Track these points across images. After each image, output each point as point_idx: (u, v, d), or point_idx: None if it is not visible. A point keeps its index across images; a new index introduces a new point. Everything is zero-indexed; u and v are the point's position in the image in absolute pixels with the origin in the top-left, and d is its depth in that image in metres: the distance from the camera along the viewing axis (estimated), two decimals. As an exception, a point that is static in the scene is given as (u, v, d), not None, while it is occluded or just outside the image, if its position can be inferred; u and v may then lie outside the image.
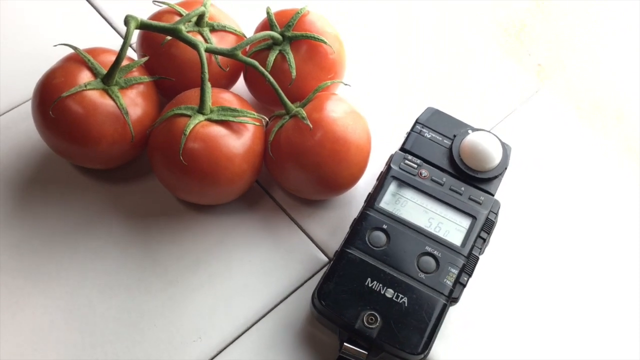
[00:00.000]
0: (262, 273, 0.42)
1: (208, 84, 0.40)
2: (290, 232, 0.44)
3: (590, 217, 0.47)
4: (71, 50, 0.41)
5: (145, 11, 0.43)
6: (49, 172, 0.44)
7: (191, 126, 0.39)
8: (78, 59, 0.41)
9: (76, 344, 0.39)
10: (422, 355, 0.37)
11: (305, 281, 0.42)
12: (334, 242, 0.44)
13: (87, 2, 0.53)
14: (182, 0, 0.46)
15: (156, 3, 0.45)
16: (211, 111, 0.40)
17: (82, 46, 0.41)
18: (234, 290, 0.41)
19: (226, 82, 0.45)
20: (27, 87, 0.46)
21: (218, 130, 0.39)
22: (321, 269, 0.43)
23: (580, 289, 0.43)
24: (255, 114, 0.41)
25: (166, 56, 0.43)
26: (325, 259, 0.43)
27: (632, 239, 0.45)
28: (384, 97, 0.50)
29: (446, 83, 0.52)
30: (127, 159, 0.42)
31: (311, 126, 0.40)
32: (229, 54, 0.41)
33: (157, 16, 0.44)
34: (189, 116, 0.40)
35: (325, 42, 0.43)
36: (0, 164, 0.44)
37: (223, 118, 0.40)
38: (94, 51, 0.42)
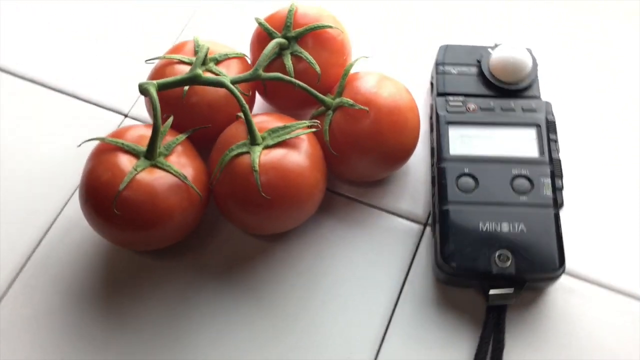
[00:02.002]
0: (371, 267, 0.42)
1: (250, 115, 0.38)
2: (375, 218, 0.44)
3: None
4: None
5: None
6: (115, 267, 0.42)
7: (257, 160, 0.38)
8: (108, 147, 0.39)
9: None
10: (562, 270, 0.38)
11: (414, 255, 0.42)
12: (417, 208, 0.44)
13: (61, 94, 0.50)
14: (170, 48, 0.44)
15: (149, 61, 0.42)
16: (263, 138, 0.39)
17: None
18: (354, 296, 0.41)
19: (249, 106, 0.43)
20: (58, 197, 0.43)
21: (280, 153, 0.38)
22: (421, 236, 0.43)
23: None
24: (303, 122, 0.40)
25: (189, 107, 0.41)
26: (419, 226, 0.43)
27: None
28: (391, 55, 0.50)
29: (441, 18, 0.52)
30: (195, 224, 0.41)
31: (366, 108, 0.39)
32: (253, 78, 0.40)
33: (158, 73, 0.42)
34: (247, 152, 0.38)
35: (330, 27, 0.42)
36: (70, 278, 0.42)
37: (279, 140, 0.39)
38: (118, 134, 0.39)
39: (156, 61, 0.43)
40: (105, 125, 0.47)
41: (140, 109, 0.48)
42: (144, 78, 0.48)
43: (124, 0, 0.54)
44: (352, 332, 0.40)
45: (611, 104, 0.47)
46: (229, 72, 0.42)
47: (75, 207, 0.44)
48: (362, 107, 0.39)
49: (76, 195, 0.44)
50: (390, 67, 0.47)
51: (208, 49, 0.40)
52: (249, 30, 0.45)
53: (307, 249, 0.43)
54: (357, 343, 0.39)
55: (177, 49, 0.43)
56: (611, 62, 0.49)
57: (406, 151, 0.42)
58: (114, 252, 0.43)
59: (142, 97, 0.49)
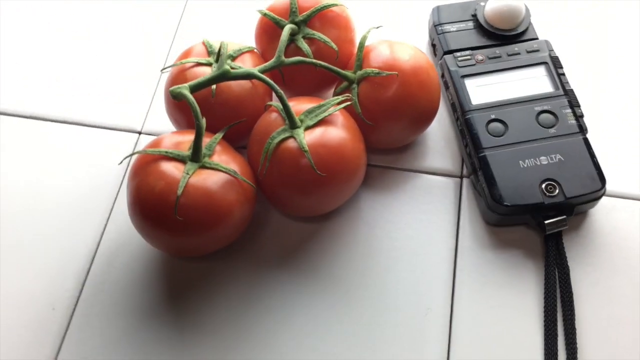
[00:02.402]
0: (422, 227, 0.43)
1: (287, 101, 0.39)
2: (412, 180, 0.45)
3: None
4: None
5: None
6: (175, 278, 0.41)
7: (303, 142, 0.38)
8: (151, 159, 0.38)
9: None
10: (604, 188, 0.41)
11: (459, 207, 0.44)
12: (448, 163, 0.45)
13: (70, 125, 0.48)
14: (180, 55, 0.44)
15: (164, 70, 0.42)
16: (301, 121, 0.39)
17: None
18: (415, 256, 0.42)
19: (271, 95, 0.44)
20: (95, 225, 0.43)
21: (323, 131, 0.39)
22: (460, 188, 0.44)
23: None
24: (335, 98, 0.40)
25: (218, 105, 0.41)
26: (456, 180, 0.45)
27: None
28: (384, 24, 0.51)
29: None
30: (251, 216, 0.40)
31: (396, 73, 0.40)
32: (278, 65, 0.40)
33: (177, 78, 0.41)
34: (290, 136, 0.39)
35: (335, 5, 0.43)
36: (129, 299, 0.41)
37: (317, 119, 0.39)
38: (157, 144, 0.39)
39: (169, 69, 0.42)
40: (122, 146, 0.47)
41: (152, 123, 0.48)
42: (147, 91, 0.48)
43: (111, 19, 0.53)
44: (422, 288, 0.41)
45: (603, 29, 0.50)
46: (245, 65, 0.42)
47: (116, 229, 0.43)
48: (390, 72, 0.40)
49: (114, 218, 0.43)
50: (387, 35, 0.48)
51: (227, 45, 0.40)
52: (240, 24, 0.45)
53: (356, 223, 0.43)
54: (431, 296, 0.40)
55: (186, 54, 0.43)
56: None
57: (434, 108, 0.43)
58: (167, 264, 0.42)
59: (152, 112, 0.48)
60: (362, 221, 0.44)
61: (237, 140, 0.42)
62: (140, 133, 0.48)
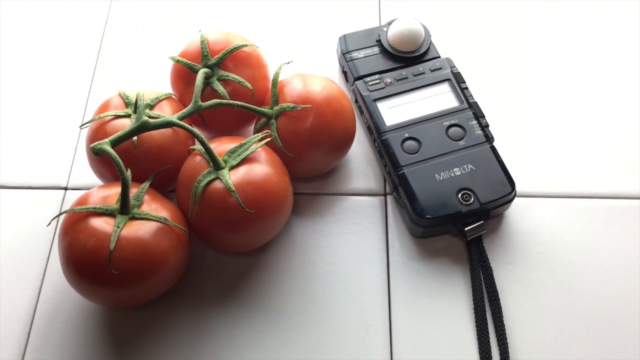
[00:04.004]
0: (354, 247, 0.45)
1: (208, 145, 0.40)
2: (339, 203, 0.47)
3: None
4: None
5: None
6: (118, 327, 0.42)
7: (229, 182, 0.39)
8: (79, 216, 0.38)
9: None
10: (514, 190, 0.44)
11: (386, 223, 0.46)
12: (372, 182, 0.48)
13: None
14: (97, 109, 0.44)
15: (83, 126, 0.43)
16: (225, 161, 0.41)
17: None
18: (350, 276, 0.44)
19: (193, 139, 0.45)
20: (28, 286, 0.42)
21: (247, 169, 0.40)
22: (385, 206, 0.47)
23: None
24: (254, 136, 0.42)
25: (141, 155, 0.41)
26: (380, 198, 0.47)
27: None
28: (293, 58, 0.53)
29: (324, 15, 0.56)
30: (188, 259, 0.41)
31: (310, 106, 0.42)
32: (196, 110, 0.41)
33: (97, 132, 0.42)
34: (216, 178, 0.40)
35: (244, 45, 0.45)
36: (74, 353, 0.41)
37: (240, 158, 0.41)
38: (84, 201, 0.39)
39: (88, 124, 0.43)
40: (49, 204, 0.47)
41: (77, 178, 0.48)
42: (68, 147, 0.49)
43: (24, 77, 0.53)
44: (360, 306, 0.43)
45: (499, 41, 0.54)
46: (163, 113, 0.43)
47: (52, 288, 0.43)
48: (304, 106, 0.42)
49: (49, 278, 0.43)
50: (298, 70, 0.50)
51: (143, 95, 0.41)
52: (155, 71, 0.46)
53: (291, 252, 0.45)
54: (370, 312, 0.42)
55: (104, 107, 0.44)
56: (489, 13, 0.56)
57: (350, 134, 0.46)
58: (108, 316, 0.42)
59: (76, 166, 0.48)
60: (297, 248, 0.45)
61: (165, 186, 0.43)
62: (66, 189, 0.48)
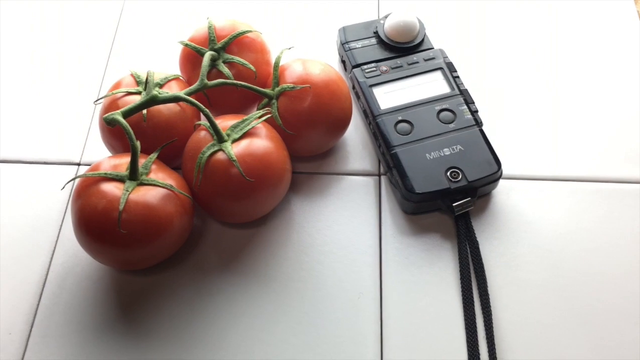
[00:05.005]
0: (348, 223, 0.48)
1: (212, 118, 0.43)
2: (335, 183, 0.50)
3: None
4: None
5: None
6: (124, 291, 0.44)
7: (232, 153, 0.42)
8: (91, 181, 0.41)
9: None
10: (501, 170, 0.46)
11: (380, 201, 0.48)
12: (367, 163, 0.50)
13: (7, 164, 0.51)
14: (110, 87, 0.47)
15: (97, 102, 0.46)
16: (228, 135, 0.44)
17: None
18: (344, 249, 0.46)
19: (199, 116, 0.48)
20: (42, 253, 0.45)
21: (248, 142, 0.43)
22: (379, 185, 0.49)
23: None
24: (256, 113, 0.45)
25: (150, 129, 0.44)
26: (375, 177, 0.50)
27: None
28: (295, 45, 0.56)
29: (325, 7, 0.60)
30: (191, 226, 0.44)
31: (309, 85, 0.45)
32: (202, 88, 0.44)
33: (110, 107, 0.45)
34: (219, 150, 0.43)
35: (250, 31, 0.48)
36: (82, 316, 0.43)
37: (242, 132, 0.44)
38: (96, 167, 0.42)
39: (101, 100, 0.46)
40: (62, 179, 0.49)
41: (90, 154, 0.51)
42: (83, 124, 0.52)
43: (41, 56, 0.56)
44: (353, 276, 0.45)
45: (488, 33, 0.57)
46: (172, 91, 0.46)
47: (64, 253, 0.46)
48: (303, 85, 0.45)
49: (61, 244, 0.46)
50: (299, 55, 0.54)
51: (153, 74, 0.44)
52: (165, 55, 0.50)
53: (289, 226, 0.47)
54: (362, 282, 0.45)
55: (116, 85, 0.47)
56: (479, 5, 0.59)
57: (347, 116, 0.48)
58: (115, 279, 0.45)
59: (89, 143, 0.51)
60: (294, 223, 0.48)
61: (172, 162, 0.46)
62: (79, 164, 0.51)
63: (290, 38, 0.57)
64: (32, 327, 0.43)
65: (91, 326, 0.43)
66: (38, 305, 0.44)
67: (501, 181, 0.48)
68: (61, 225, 0.47)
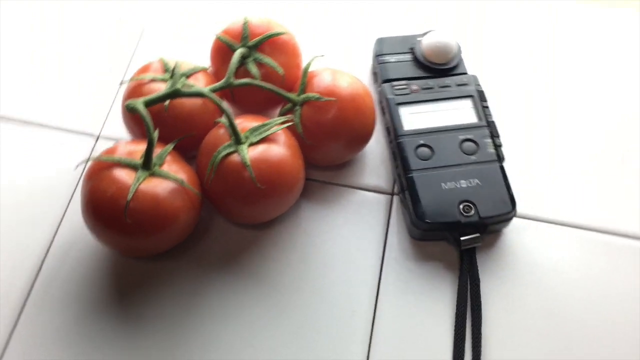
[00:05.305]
0: (354, 238, 0.47)
1: (233, 119, 0.43)
2: (347, 196, 0.49)
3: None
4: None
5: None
6: (123, 275, 0.45)
7: (246, 157, 0.42)
8: (105, 165, 0.42)
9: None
10: (515, 211, 0.46)
11: (388, 221, 0.48)
12: (382, 181, 0.50)
13: (29, 126, 0.51)
14: (137, 71, 0.47)
15: (123, 83, 0.46)
16: (246, 137, 0.43)
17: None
18: (345, 264, 0.46)
19: (218, 114, 0.48)
20: (49, 222, 0.46)
21: (265, 148, 0.43)
22: (390, 205, 0.49)
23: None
24: (277, 119, 0.45)
25: (170, 119, 0.44)
26: (387, 196, 0.49)
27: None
28: (331, 53, 0.56)
29: (368, 16, 0.59)
30: (196, 221, 0.44)
31: (334, 99, 0.44)
32: (227, 86, 0.44)
33: (134, 92, 0.45)
34: (235, 151, 0.43)
35: (283, 33, 0.47)
36: (79, 292, 0.44)
37: (260, 137, 0.43)
38: (111, 152, 0.42)
39: (127, 82, 0.46)
40: (80, 148, 0.50)
41: (110, 129, 0.51)
42: (107, 99, 0.52)
43: (74, 25, 0.57)
44: (349, 293, 0.45)
45: (522, 70, 0.56)
46: (197, 84, 0.46)
47: (70, 227, 0.46)
48: (329, 98, 0.45)
49: (68, 217, 0.47)
50: (334, 64, 0.53)
51: (181, 64, 0.44)
52: (197, 43, 0.49)
53: (294, 232, 0.47)
54: (357, 300, 0.45)
55: (144, 69, 0.47)
56: (517, 38, 0.58)
57: (368, 132, 0.48)
58: (117, 262, 0.45)
59: (110, 118, 0.51)
60: (301, 230, 0.48)
61: (189, 151, 0.46)
62: (98, 137, 0.51)
63: (327, 42, 0.57)
64: (28, 295, 0.44)
65: (85, 304, 0.44)
66: (37, 274, 0.45)
67: (517, 219, 0.48)
68: (71, 197, 0.48)
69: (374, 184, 0.50)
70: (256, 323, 0.44)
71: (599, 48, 0.57)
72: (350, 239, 0.47)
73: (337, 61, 0.55)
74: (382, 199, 0.49)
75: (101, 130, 0.51)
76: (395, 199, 0.49)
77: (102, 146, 0.50)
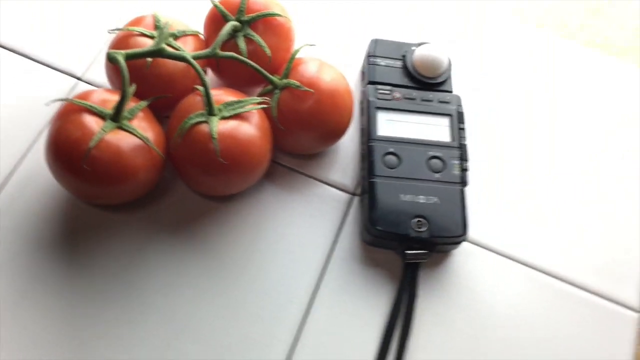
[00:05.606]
0: (307, 228, 0.48)
1: (210, 90, 0.43)
2: (310, 186, 0.50)
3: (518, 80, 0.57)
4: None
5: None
6: (77, 220, 0.46)
7: (215, 129, 0.42)
8: (76, 108, 0.42)
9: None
10: (465, 235, 0.46)
11: (343, 219, 0.49)
12: (347, 179, 0.50)
13: (13, 54, 0.52)
14: (129, 21, 0.47)
15: (111, 31, 0.46)
16: (219, 110, 0.44)
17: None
18: (293, 252, 0.47)
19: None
20: (13, 152, 0.46)
21: (236, 125, 0.43)
22: (349, 204, 0.49)
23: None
24: (255, 98, 0.45)
25: (151, 77, 0.45)
26: (348, 196, 0.50)
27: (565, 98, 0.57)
28: (327, 44, 0.56)
29: (373, 15, 0.59)
30: (156, 181, 0.45)
31: (312, 90, 0.45)
32: (211, 55, 0.44)
33: (118, 43, 0.45)
34: (205, 121, 0.43)
35: (279, 15, 0.48)
36: (30, 227, 0.45)
37: (234, 112, 0.44)
38: (85, 96, 0.43)
39: (116, 31, 0.46)
40: (58, 87, 0.50)
41: (93, 73, 0.51)
42: (98, 45, 0.52)
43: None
44: (291, 281, 0.46)
45: (507, 100, 0.56)
46: (185, 47, 0.46)
47: (33, 161, 0.47)
48: (307, 89, 0.45)
49: (33, 151, 0.47)
50: (327, 55, 0.53)
51: (170, 24, 0.44)
52: (199, 9, 0.49)
53: (252, 211, 0.48)
54: (296, 289, 0.45)
55: (136, 21, 0.47)
56: (510, 66, 0.58)
57: (342, 129, 0.48)
58: (73, 205, 0.46)
59: (96, 62, 0.52)
60: (259, 211, 0.48)
61: (165, 112, 0.46)
62: (79, 79, 0.51)
63: (327, 33, 0.57)
64: (-22, 219, 0.44)
65: (32, 240, 0.44)
66: (-8, 200, 0.45)
67: (467, 244, 0.48)
68: (41, 131, 0.48)
69: (339, 181, 0.50)
70: (195, 292, 0.45)
71: (590, 96, 0.57)
72: (304, 230, 0.48)
73: (334, 54, 0.55)
74: (344, 197, 0.50)
75: (84, 74, 0.51)
76: (356, 199, 0.50)
77: (82, 88, 0.50)
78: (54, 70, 0.51)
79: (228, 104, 0.44)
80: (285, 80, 0.46)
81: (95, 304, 0.43)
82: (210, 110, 0.43)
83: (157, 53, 0.43)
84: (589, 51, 0.60)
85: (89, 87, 0.51)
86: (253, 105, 0.44)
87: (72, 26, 0.53)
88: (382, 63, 0.52)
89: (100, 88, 0.45)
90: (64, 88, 0.50)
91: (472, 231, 0.48)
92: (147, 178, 0.43)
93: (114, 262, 0.45)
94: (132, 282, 0.44)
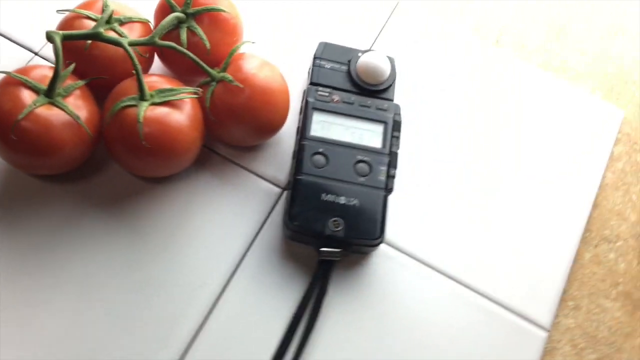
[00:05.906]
0: (233, 217, 0.50)
1: (141, 75, 0.45)
2: (243, 177, 0.52)
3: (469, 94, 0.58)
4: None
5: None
6: (10, 186, 0.48)
7: (142, 114, 0.44)
8: (13, 81, 0.44)
9: (101, 325, 0.45)
10: (380, 239, 0.48)
11: (270, 212, 0.51)
12: (281, 174, 0.52)
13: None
14: (81, 3, 0.49)
15: (60, 11, 0.48)
16: (151, 96, 0.46)
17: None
18: (215, 238, 0.49)
19: (146, 67, 0.50)
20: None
21: (165, 111, 0.45)
22: (279, 198, 0.51)
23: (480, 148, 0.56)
24: (189, 88, 0.47)
25: (91, 58, 0.47)
26: (279, 190, 0.52)
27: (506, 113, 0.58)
28: (279, 45, 0.57)
29: (326, 18, 0.60)
30: (85, 158, 0.47)
31: (242, 86, 0.47)
32: (149, 43, 0.46)
33: (66, 23, 0.47)
34: (135, 105, 0.45)
35: (224, 11, 0.49)
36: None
37: (165, 99, 0.46)
38: (24, 71, 0.45)
39: (67, 12, 0.48)
40: (14, 59, 0.52)
41: (50, 51, 0.53)
42: (55, 20, 0.54)
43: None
44: (209, 265, 0.48)
45: (450, 114, 0.57)
46: (131, 34, 0.48)
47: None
48: (238, 84, 0.47)
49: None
50: (275, 54, 0.54)
51: (113, 10, 0.46)
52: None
53: (181, 194, 0.50)
54: (212, 273, 0.47)
55: (87, 5, 0.49)
56: (460, 81, 0.59)
57: (274, 126, 0.50)
58: (7, 171, 0.48)
59: (52, 41, 0.54)
60: (188, 195, 0.50)
61: (106, 93, 0.48)
62: (36, 54, 0.53)
63: (281, 33, 0.58)
64: None
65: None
66: None
67: (386, 247, 0.50)
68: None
69: (272, 175, 0.52)
70: (114, 265, 0.47)
71: (533, 117, 0.58)
72: (230, 218, 0.50)
73: (288, 54, 0.57)
74: (275, 191, 0.52)
75: (41, 49, 0.54)
76: (285, 194, 0.51)
77: (37, 63, 0.52)
78: (13, 43, 0.53)
79: (161, 91, 0.46)
80: (221, 74, 0.48)
81: (13, 267, 0.45)
82: (142, 95, 0.45)
83: (94, 36, 0.45)
84: (542, 73, 0.60)
85: (44, 63, 0.53)
86: (185, 95, 0.46)
87: (36, 1, 0.56)
88: (327, 66, 0.54)
89: (50, 65, 0.47)
90: (19, 61, 0.52)
91: (394, 236, 0.49)
92: (74, 153, 0.45)
93: (41, 230, 0.47)
94: (54, 250, 0.46)
